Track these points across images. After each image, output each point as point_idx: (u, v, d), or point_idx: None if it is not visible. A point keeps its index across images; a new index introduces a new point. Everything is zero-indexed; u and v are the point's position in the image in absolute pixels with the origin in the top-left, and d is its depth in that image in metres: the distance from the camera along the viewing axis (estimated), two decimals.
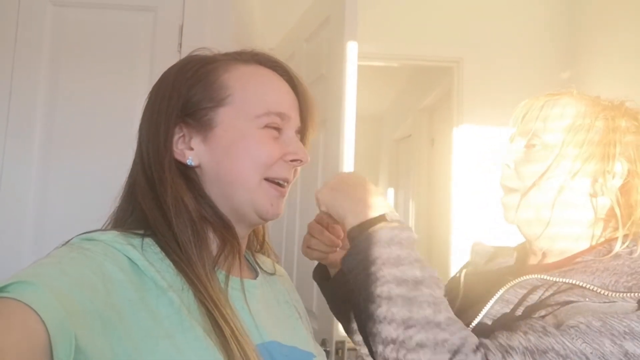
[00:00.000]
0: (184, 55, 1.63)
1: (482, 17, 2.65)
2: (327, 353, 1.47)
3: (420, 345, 0.62)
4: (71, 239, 0.60)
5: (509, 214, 0.82)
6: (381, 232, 0.69)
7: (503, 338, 0.64)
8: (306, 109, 0.74)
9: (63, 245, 0.59)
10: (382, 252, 0.68)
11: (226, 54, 0.73)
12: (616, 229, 0.74)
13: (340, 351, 1.47)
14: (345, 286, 0.89)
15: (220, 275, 0.64)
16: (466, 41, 2.65)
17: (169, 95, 0.67)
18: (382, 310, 0.65)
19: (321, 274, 0.96)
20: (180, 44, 1.63)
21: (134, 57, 1.64)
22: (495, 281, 0.82)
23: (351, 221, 0.73)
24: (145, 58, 1.64)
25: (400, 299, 0.65)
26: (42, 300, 0.45)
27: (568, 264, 0.76)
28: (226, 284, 0.63)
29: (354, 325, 0.94)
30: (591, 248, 0.76)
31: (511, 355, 0.61)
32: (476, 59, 2.64)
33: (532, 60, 2.62)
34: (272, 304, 0.73)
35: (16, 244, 1.56)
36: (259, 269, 0.77)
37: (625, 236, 0.72)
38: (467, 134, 2.62)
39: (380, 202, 0.73)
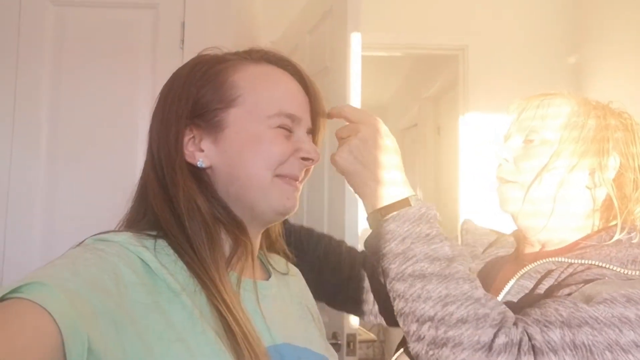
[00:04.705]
0: (186, 51, 1.63)
1: (487, 3, 2.62)
2: (339, 346, 1.47)
3: (462, 321, 0.63)
4: (85, 239, 0.60)
5: (507, 205, 0.85)
6: (408, 211, 0.70)
7: (537, 314, 0.65)
8: (317, 109, 0.73)
9: (77, 245, 0.59)
10: (411, 231, 0.69)
11: (236, 53, 0.71)
12: (610, 219, 0.80)
13: (351, 344, 1.47)
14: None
15: (232, 277, 0.64)
16: (471, 29, 2.62)
17: (179, 97, 0.66)
18: (415, 289, 0.66)
19: None
20: (182, 41, 1.63)
21: (137, 54, 1.64)
22: (501, 268, 0.85)
23: (370, 203, 0.74)
24: (148, 55, 1.64)
25: (435, 277, 0.66)
26: (55, 302, 0.45)
27: (573, 249, 0.79)
28: (238, 285, 0.63)
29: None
30: (592, 235, 0.80)
31: (549, 328, 0.62)
32: (481, 46, 2.61)
33: (537, 47, 2.59)
34: (286, 305, 0.73)
35: (26, 245, 1.57)
36: (271, 269, 0.76)
37: (623, 225, 0.77)
38: (474, 122, 2.60)
39: (401, 185, 0.74)
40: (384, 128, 0.75)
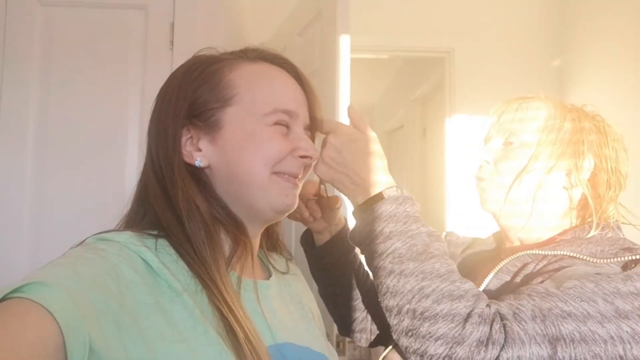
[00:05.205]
0: (176, 52, 1.62)
1: (473, 7, 2.65)
2: None
3: (439, 301, 0.66)
4: (86, 238, 0.60)
5: (487, 203, 0.89)
6: (383, 207, 0.73)
7: (510, 299, 0.68)
8: (314, 106, 0.74)
9: (78, 245, 0.59)
10: (390, 215, 0.72)
11: (232, 53, 0.72)
12: (586, 218, 0.84)
13: (341, 344, 1.49)
14: (327, 258, 0.95)
15: (233, 276, 0.64)
16: (458, 31, 2.65)
17: (176, 97, 0.66)
18: (396, 270, 0.69)
19: (307, 240, 0.99)
20: (172, 42, 1.62)
21: (126, 55, 1.63)
22: (481, 263, 0.88)
23: (354, 201, 0.78)
24: (137, 56, 1.63)
25: (414, 259, 0.69)
26: (57, 301, 0.45)
27: (549, 244, 0.83)
28: (238, 285, 0.63)
29: (331, 290, 1.00)
30: (568, 230, 0.84)
31: (521, 310, 0.65)
32: (468, 49, 2.64)
33: (522, 50, 2.62)
34: (286, 304, 0.73)
35: (14, 247, 1.55)
36: (272, 269, 0.76)
37: (597, 222, 0.81)
38: (460, 124, 2.62)
39: (381, 177, 0.76)
40: (351, 130, 0.78)
